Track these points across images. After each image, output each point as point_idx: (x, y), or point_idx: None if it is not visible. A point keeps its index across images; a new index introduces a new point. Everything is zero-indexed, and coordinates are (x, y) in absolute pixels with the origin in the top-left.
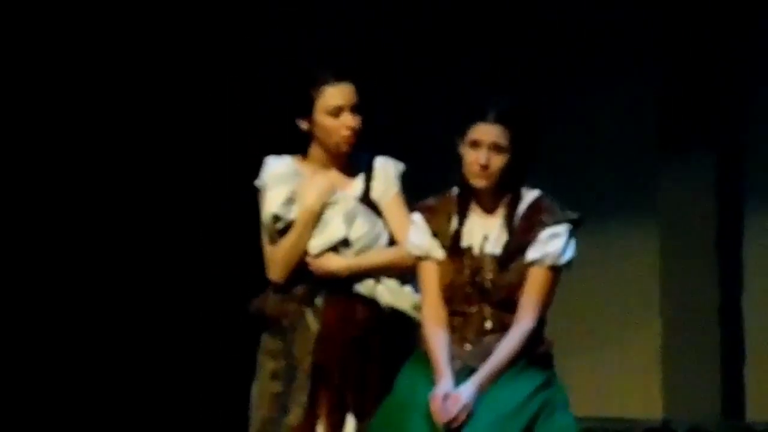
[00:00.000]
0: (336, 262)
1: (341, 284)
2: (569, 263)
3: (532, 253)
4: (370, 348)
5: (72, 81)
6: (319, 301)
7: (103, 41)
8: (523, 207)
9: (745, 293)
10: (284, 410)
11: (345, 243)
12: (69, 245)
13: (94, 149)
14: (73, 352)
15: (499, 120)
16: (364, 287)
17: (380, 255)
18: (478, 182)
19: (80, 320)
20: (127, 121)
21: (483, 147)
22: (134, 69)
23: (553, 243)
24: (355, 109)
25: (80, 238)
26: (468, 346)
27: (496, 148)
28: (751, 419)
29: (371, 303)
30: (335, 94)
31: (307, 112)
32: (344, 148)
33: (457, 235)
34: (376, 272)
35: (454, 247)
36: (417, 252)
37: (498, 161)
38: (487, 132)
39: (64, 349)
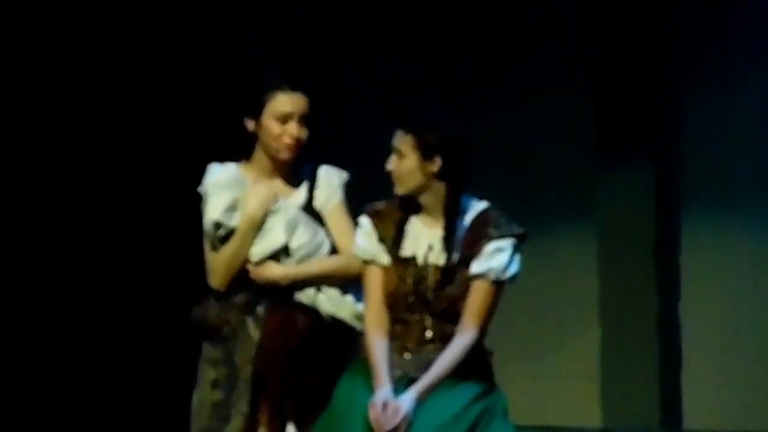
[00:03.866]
0: (276, 271)
1: (283, 293)
2: (513, 277)
3: (476, 267)
4: (311, 357)
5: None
6: (260, 309)
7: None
8: (469, 218)
9: (683, 302)
10: (225, 419)
11: (286, 251)
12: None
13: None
14: (15, 359)
15: (403, 126)
16: (306, 296)
17: (322, 264)
18: (395, 188)
19: (22, 327)
20: (67, 127)
21: (393, 152)
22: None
23: (497, 257)
24: (303, 119)
25: (16, 244)
26: (408, 355)
27: (398, 153)
28: (688, 427)
29: (312, 312)
30: (286, 101)
31: (256, 113)
32: (284, 155)
33: (401, 243)
34: (317, 281)
35: (398, 254)
36: (363, 255)
37: (401, 166)
38: (396, 138)
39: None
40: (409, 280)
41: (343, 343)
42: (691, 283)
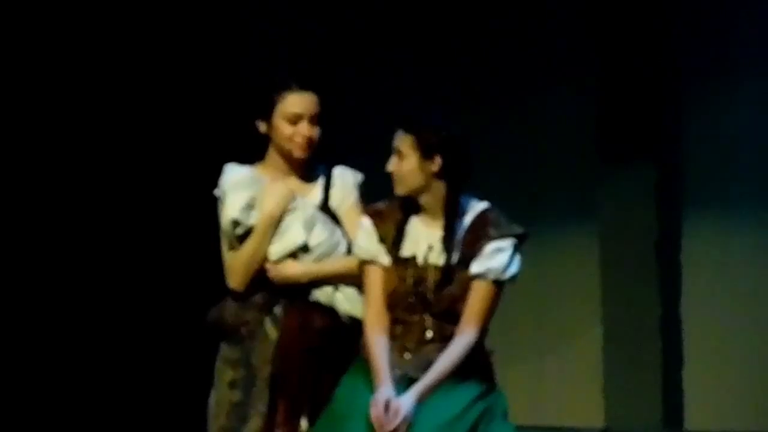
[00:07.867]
0: (295, 268)
1: (300, 293)
2: (513, 278)
3: (475, 267)
4: (329, 356)
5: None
6: (278, 309)
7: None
8: (469, 218)
9: (684, 301)
10: (243, 419)
11: (304, 249)
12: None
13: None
14: (27, 363)
15: (403, 127)
16: (323, 295)
17: (339, 262)
18: (396, 188)
19: (35, 329)
20: (80, 128)
21: (394, 153)
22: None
23: (497, 258)
24: (314, 119)
25: (31, 246)
26: (408, 355)
27: (398, 153)
28: (690, 427)
29: (330, 311)
30: (296, 102)
31: (267, 115)
32: (297, 154)
33: (401, 243)
34: (335, 279)
35: (398, 255)
36: (364, 256)
37: (401, 166)
38: (397, 138)
39: (17, 358)
40: (409, 281)
41: (360, 342)
42: (692, 283)
